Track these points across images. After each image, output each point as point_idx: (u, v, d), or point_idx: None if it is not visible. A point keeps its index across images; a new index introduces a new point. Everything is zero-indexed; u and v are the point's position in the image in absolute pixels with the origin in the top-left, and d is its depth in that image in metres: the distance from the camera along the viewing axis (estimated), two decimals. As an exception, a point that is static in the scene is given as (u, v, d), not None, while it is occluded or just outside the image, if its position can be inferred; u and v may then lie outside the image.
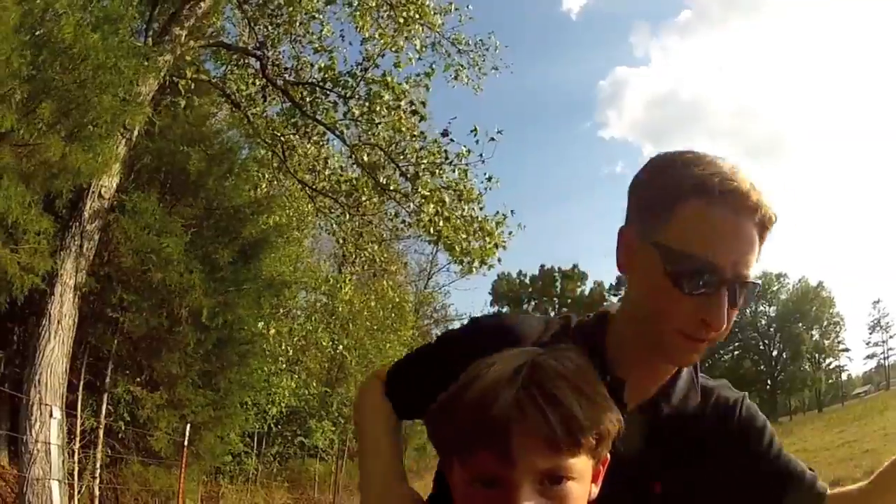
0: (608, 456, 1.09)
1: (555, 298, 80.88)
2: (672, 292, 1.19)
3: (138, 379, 10.95)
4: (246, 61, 13.00)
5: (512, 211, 12.62)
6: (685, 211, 1.19)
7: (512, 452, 0.95)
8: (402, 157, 12.36)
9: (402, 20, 12.48)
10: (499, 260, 12.33)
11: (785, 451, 1.47)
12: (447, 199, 11.76)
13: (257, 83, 12.76)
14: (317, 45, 12.75)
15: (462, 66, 13.48)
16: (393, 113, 11.96)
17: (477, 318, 1.55)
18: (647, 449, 1.28)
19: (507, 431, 0.95)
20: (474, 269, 12.32)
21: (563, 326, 1.43)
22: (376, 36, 12.40)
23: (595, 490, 1.08)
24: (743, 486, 1.39)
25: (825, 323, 73.44)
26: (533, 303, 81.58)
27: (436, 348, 1.50)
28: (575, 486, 1.00)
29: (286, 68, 12.60)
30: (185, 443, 10.21)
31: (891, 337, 72.88)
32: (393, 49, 12.33)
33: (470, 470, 1.00)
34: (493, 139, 12.00)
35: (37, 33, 7.11)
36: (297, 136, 13.33)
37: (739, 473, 1.38)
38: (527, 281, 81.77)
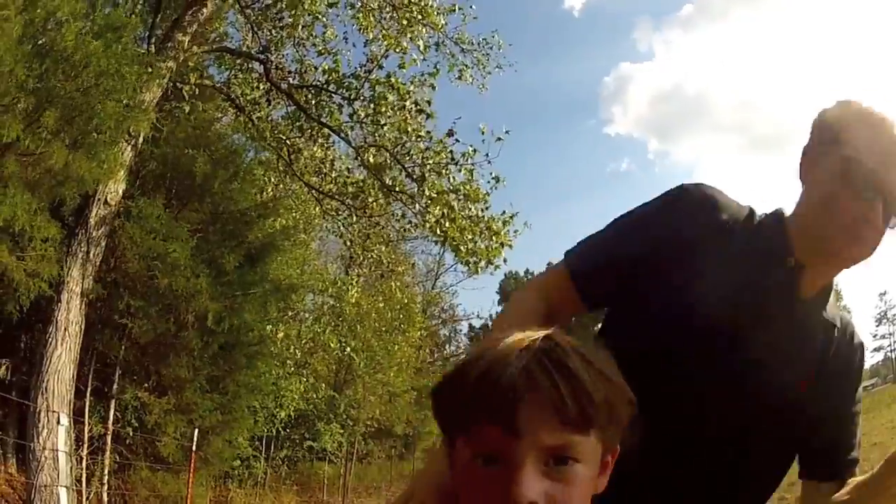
0: (618, 449, 1.04)
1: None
2: (842, 195, 1.35)
3: (146, 384, 10.97)
4: (249, 66, 13.00)
5: (516, 213, 12.59)
6: (861, 136, 1.37)
7: (518, 424, 0.90)
8: (407, 157, 12.35)
9: (405, 21, 12.48)
10: (504, 260, 12.31)
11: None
12: (455, 205, 11.75)
13: (261, 87, 12.76)
14: (320, 48, 12.75)
15: (466, 65, 13.48)
16: (398, 113, 11.95)
17: (678, 186, 1.53)
18: (808, 343, 1.44)
19: (514, 401, 0.90)
20: (480, 270, 12.31)
21: (750, 211, 1.50)
22: (380, 37, 12.39)
23: (603, 483, 1.03)
24: (828, 415, 1.49)
25: (832, 316, 73.24)
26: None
27: (631, 221, 1.51)
28: (582, 470, 0.94)
29: (290, 72, 12.60)
30: (194, 447, 10.21)
31: (898, 329, 72.56)
32: (397, 50, 12.33)
33: (473, 445, 0.95)
34: (499, 139, 12.00)
35: (39, 42, 7.13)
36: (302, 139, 13.33)
37: (834, 405, 1.49)
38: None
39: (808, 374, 1.42)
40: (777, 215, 1.49)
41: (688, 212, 1.40)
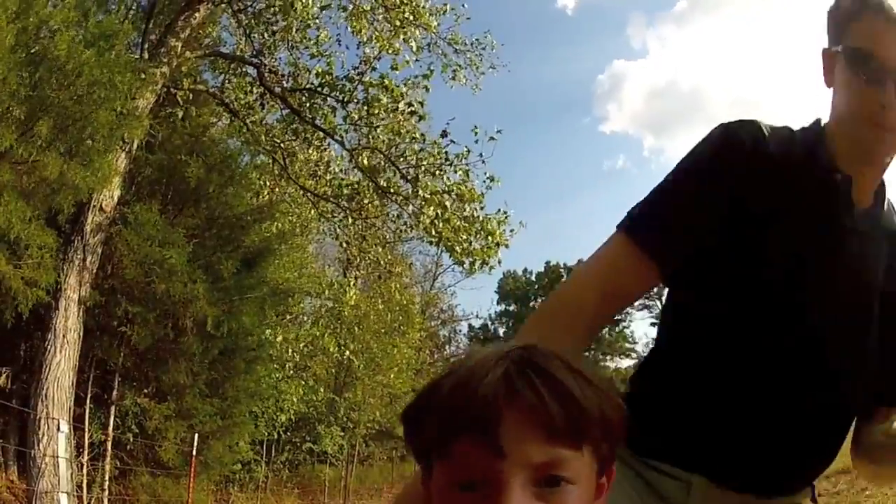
0: (614, 471, 0.92)
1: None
2: (854, 83, 1.35)
3: (145, 390, 10.99)
4: (243, 70, 13.02)
5: (512, 211, 12.62)
6: (863, 23, 1.34)
7: (500, 439, 0.78)
8: (402, 159, 12.37)
9: (398, 22, 12.49)
10: (499, 260, 12.32)
11: None
12: (448, 205, 11.76)
13: (255, 91, 12.77)
14: (313, 51, 12.76)
15: (459, 66, 13.51)
16: (392, 115, 11.97)
17: (719, 126, 1.45)
18: (874, 256, 1.39)
19: (496, 413, 0.79)
20: (476, 270, 12.33)
21: (790, 131, 1.47)
22: (373, 39, 12.41)
23: None
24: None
25: (834, 311, 73.45)
26: (540, 300, 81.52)
27: (685, 172, 1.43)
28: (576, 493, 0.82)
29: (283, 75, 12.61)
30: (194, 452, 10.23)
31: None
32: (389, 52, 12.34)
33: (450, 469, 0.82)
34: (492, 138, 12.02)
35: (32, 51, 7.16)
36: (297, 143, 13.34)
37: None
38: (533, 279, 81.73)
39: (885, 286, 1.40)
40: (815, 130, 1.47)
41: (739, 149, 1.38)
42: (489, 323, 78.11)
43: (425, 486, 0.91)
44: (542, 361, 0.84)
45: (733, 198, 1.36)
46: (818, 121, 1.48)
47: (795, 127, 1.47)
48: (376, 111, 11.89)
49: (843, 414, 1.43)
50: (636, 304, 77.94)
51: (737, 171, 1.37)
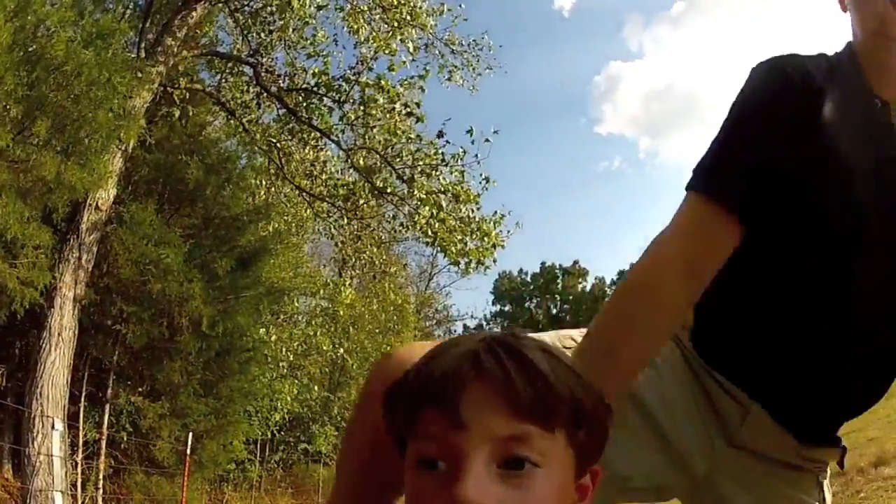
0: (599, 471, 0.88)
1: (556, 296, 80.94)
2: (878, 3, 1.29)
3: (140, 389, 10.99)
4: (240, 69, 13.02)
5: (508, 212, 12.62)
6: None
7: (461, 411, 0.76)
8: (398, 159, 12.38)
9: (394, 23, 12.50)
10: (494, 260, 12.33)
11: None
12: (444, 203, 11.77)
13: (251, 91, 12.78)
14: (310, 51, 12.76)
15: (456, 66, 13.52)
16: (388, 116, 11.98)
17: (766, 62, 1.39)
18: None
19: (458, 384, 0.77)
20: (471, 270, 12.34)
21: (828, 60, 1.41)
22: (369, 39, 12.42)
23: None
24: None
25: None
26: (535, 300, 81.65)
27: (744, 114, 1.37)
28: (544, 478, 0.77)
29: (280, 75, 12.61)
30: (188, 451, 10.24)
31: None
32: (386, 52, 12.34)
33: (416, 445, 0.80)
34: (487, 140, 12.04)
35: (29, 49, 7.16)
36: (293, 142, 13.35)
37: None
38: (528, 279, 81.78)
39: None
40: (848, 55, 1.40)
41: (791, 88, 1.32)
42: (484, 323, 78.08)
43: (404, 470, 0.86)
44: (514, 342, 0.81)
45: (792, 138, 1.31)
46: (849, 45, 1.42)
47: (830, 52, 1.44)
48: (372, 111, 11.89)
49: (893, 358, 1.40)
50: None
51: (792, 111, 1.32)
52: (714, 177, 1.34)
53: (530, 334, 0.91)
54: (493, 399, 0.76)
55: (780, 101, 1.34)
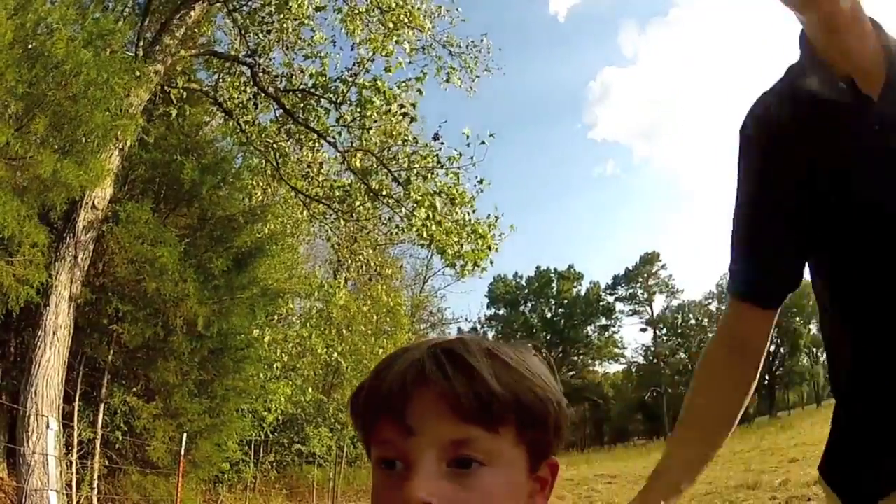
0: (557, 463, 0.93)
1: (551, 299, 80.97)
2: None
3: (134, 389, 10.97)
4: (237, 69, 13.02)
5: (502, 214, 12.63)
6: None
7: (408, 419, 0.82)
8: (394, 161, 12.39)
9: (391, 24, 12.52)
10: (490, 262, 12.35)
11: None
12: (438, 205, 11.78)
13: (249, 91, 12.78)
14: (308, 52, 12.77)
15: (454, 68, 13.55)
16: (384, 117, 11.99)
17: (743, 124, 1.49)
18: None
19: (404, 395, 0.83)
20: (467, 272, 12.34)
21: (788, 72, 1.50)
22: (367, 41, 12.43)
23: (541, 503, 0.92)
24: None
25: (822, 317, 73.51)
26: (530, 304, 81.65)
27: (741, 184, 1.49)
28: (490, 476, 0.82)
29: (277, 75, 12.62)
30: (182, 452, 10.22)
31: (887, 330, 72.98)
32: (383, 54, 12.36)
33: (376, 448, 0.87)
34: (483, 142, 12.05)
35: (29, 47, 7.15)
36: (289, 143, 13.35)
37: None
38: (523, 282, 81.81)
39: None
40: (807, 52, 1.46)
41: (762, 130, 1.43)
42: (479, 326, 78.24)
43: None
44: (459, 348, 0.85)
45: (789, 171, 1.40)
46: (804, 38, 1.47)
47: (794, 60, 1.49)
48: (369, 113, 11.89)
49: None
50: (626, 310, 77.34)
51: (774, 149, 1.42)
52: (736, 279, 1.55)
53: (485, 338, 0.92)
54: (437, 406, 0.81)
55: (761, 152, 1.44)
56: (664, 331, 78.82)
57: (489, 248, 12.23)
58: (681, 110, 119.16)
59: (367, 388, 0.88)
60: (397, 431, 0.82)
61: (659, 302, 79.73)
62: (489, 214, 12.50)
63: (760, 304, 1.51)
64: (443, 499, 0.78)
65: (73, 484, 9.72)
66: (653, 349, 77.56)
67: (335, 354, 18.53)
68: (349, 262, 18.16)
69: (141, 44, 10.62)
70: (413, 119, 12.29)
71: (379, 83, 11.93)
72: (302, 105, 12.50)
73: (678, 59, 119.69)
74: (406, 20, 12.59)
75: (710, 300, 79.58)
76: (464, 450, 0.81)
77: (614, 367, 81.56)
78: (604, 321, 79.98)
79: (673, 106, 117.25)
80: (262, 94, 12.59)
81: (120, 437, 10.71)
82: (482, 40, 13.81)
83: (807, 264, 1.48)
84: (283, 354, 16.09)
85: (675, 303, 79.72)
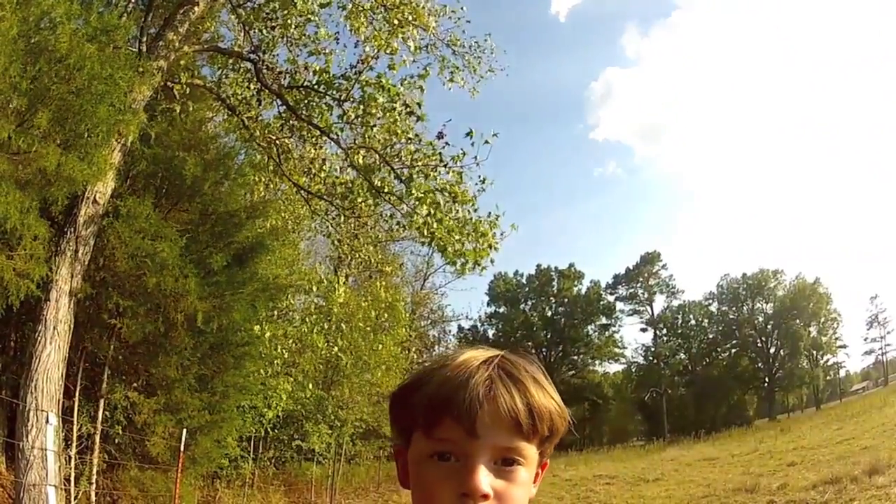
0: (547, 462, 1.20)
1: (552, 298, 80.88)
2: None
3: (135, 384, 10.97)
4: (241, 66, 13.00)
5: (503, 212, 12.57)
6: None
7: (477, 427, 1.04)
8: (396, 159, 12.36)
9: (396, 22, 12.50)
10: (491, 261, 12.31)
11: None
12: (441, 202, 11.75)
13: (252, 87, 12.76)
14: (311, 48, 12.75)
15: (457, 67, 13.53)
16: (388, 115, 11.96)
17: None
18: None
19: (477, 407, 1.04)
20: (467, 271, 12.31)
21: None
22: (371, 38, 12.41)
23: (534, 491, 1.15)
24: None
25: (822, 319, 73.36)
26: (530, 302, 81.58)
27: None
28: (523, 472, 1.08)
29: (280, 72, 12.59)
30: (182, 447, 10.22)
31: (888, 333, 72.89)
32: (387, 51, 12.34)
33: (434, 442, 1.07)
34: (487, 142, 12.01)
35: (32, 41, 7.14)
36: (292, 140, 13.34)
37: None
38: (523, 281, 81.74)
39: None
40: None
41: None
42: (479, 324, 78.29)
43: (401, 454, 1.18)
44: (516, 372, 1.11)
45: None
46: None
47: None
48: (372, 110, 11.87)
49: None
50: (626, 309, 77.22)
51: None
52: None
53: (521, 357, 1.17)
54: (499, 419, 1.06)
55: None
56: (664, 331, 78.76)
57: (490, 246, 12.20)
58: (682, 111, 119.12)
59: (434, 393, 1.09)
60: (463, 434, 1.05)
61: (659, 302, 79.73)
62: (490, 213, 12.47)
63: None
64: (494, 490, 1.04)
65: (72, 479, 9.71)
66: (653, 349, 77.49)
67: (335, 350, 18.53)
68: (350, 258, 18.15)
69: (144, 39, 10.61)
70: (419, 118, 12.26)
71: (383, 80, 11.90)
72: (305, 101, 12.48)
73: (680, 61, 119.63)
74: (410, 18, 12.58)
75: (710, 301, 79.57)
76: (510, 454, 1.07)
77: (614, 367, 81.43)
78: (604, 320, 79.91)
79: (674, 107, 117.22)
80: (266, 91, 12.56)
81: (119, 432, 10.71)
82: (486, 40, 13.81)
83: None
84: (284, 350, 16.08)
85: (675, 303, 79.72)
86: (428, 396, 1.09)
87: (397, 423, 1.18)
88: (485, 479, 1.03)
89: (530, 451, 1.09)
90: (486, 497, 1.03)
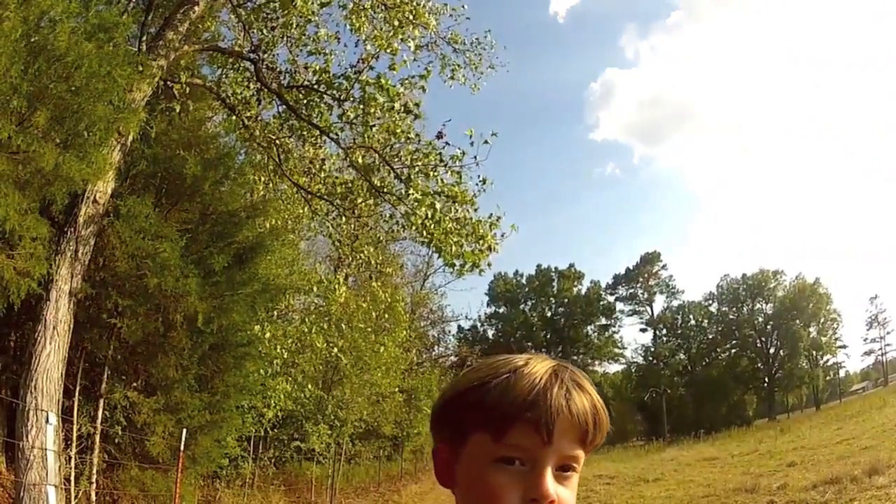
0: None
1: (552, 298, 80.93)
2: None
3: (134, 384, 10.95)
4: (241, 65, 13.00)
5: (504, 213, 12.56)
6: None
7: (553, 434, 1.08)
8: (396, 159, 12.36)
9: (396, 22, 12.51)
10: (489, 264, 12.29)
11: None
12: (438, 206, 11.73)
13: (252, 87, 12.76)
14: (311, 48, 12.74)
15: (458, 65, 13.54)
16: (387, 115, 11.95)
17: None
18: None
19: (556, 416, 1.08)
20: (465, 273, 12.31)
21: None
22: (371, 38, 12.41)
23: None
24: None
25: (822, 320, 73.52)
26: (530, 302, 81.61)
27: None
28: (576, 478, 1.13)
29: (280, 71, 12.59)
30: (182, 447, 10.21)
31: (888, 333, 73.04)
32: (388, 51, 12.33)
33: (503, 447, 1.08)
34: (486, 142, 12.00)
35: (32, 40, 7.13)
36: (292, 140, 13.34)
37: None
38: (523, 281, 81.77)
39: None
40: None
41: None
42: (479, 325, 78.38)
43: (444, 453, 1.18)
44: (583, 382, 1.15)
45: None
46: None
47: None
48: (372, 110, 11.86)
49: None
50: (626, 309, 77.35)
51: None
52: None
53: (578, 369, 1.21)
54: (570, 430, 1.10)
55: None
56: (664, 331, 78.82)
57: (489, 248, 12.19)
58: (681, 111, 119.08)
59: (506, 398, 1.10)
60: (537, 441, 1.08)
61: (659, 302, 79.86)
62: (491, 214, 12.45)
63: None
64: (556, 494, 1.07)
65: (72, 478, 9.70)
66: (653, 349, 77.59)
67: (335, 350, 18.52)
68: (350, 259, 18.13)
69: (144, 38, 10.61)
70: (417, 116, 12.25)
71: (383, 80, 11.90)
72: (305, 101, 12.47)
73: (679, 61, 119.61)
74: (411, 17, 12.58)
75: (710, 301, 79.64)
76: (571, 461, 1.11)
77: (614, 368, 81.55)
78: (604, 321, 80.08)
79: (673, 107, 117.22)
80: (266, 90, 12.56)
81: (119, 432, 10.70)
82: (486, 37, 13.83)
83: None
84: (283, 350, 16.07)
85: (675, 303, 79.80)
86: (499, 401, 1.10)
87: (449, 423, 1.18)
88: (552, 485, 1.07)
89: (583, 458, 1.14)
90: (552, 503, 1.06)
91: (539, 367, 1.14)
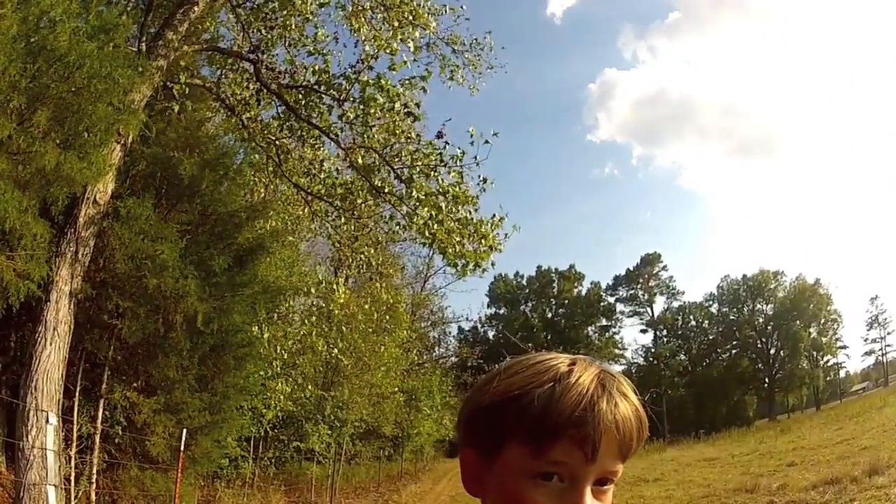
0: None
1: (552, 299, 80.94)
2: None
3: (135, 384, 10.95)
4: (240, 65, 13.00)
5: (506, 213, 12.57)
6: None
7: (598, 454, 1.03)
8: (396, 159, 12.36)
9: (396, 22, 12.52)
10: (492, 264, 12.31)
11: None
12: (443, 206, 11.75)
13: (251, 87, 12.76)
14: (311, 49, 12.75)
15: (457, 66, 13.55)
16: (387, 115, 11.96)
17: None
18: None
19: (602, 433, 1.03)
20: (468, 272, 12.31)
21: None
22: (371, 38, 12.42)
23: None
24: None
25: (823, 320, 73.51)
26: (530, 304, 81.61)
27: None
28: (612, 490, 1.10)
29: (280, 72, 12.60)
30: (182, 447, 10.22)
31: (889, 333, 72.99)
32: (387, 51, 12.34)
33: (544, 463, 1.02)
34: (487, 142, 12.01)
35: (32, 40, 7.14)
36: (291, 140, 13.34)
37: None
38: (524, 282, 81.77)
39: None
40: None
41: None
42: (479, 326, 78.36)
43: (479, 459, 1.11)
44: (628, 393, 1.10)
45: None
46: None
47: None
48: (372, 110, 11.86)
49: None
50: (626, 310, 77.47)
51: None
52: None
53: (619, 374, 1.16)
54: (616, 446, 1.06)
55: None
56: (664, 332, 78.84)
57: (492, 248, 12.19)
58: (680, 112, 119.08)
59: (548, 412, 1.03)
60: (580, 458, 1.02)
61: (659, 303, 79.89)
62: (494, 214, 12.46)
63: None
64: None
65: (72, 478, 9.70)
66: (653, 350, 77.61)
67: (335, 351, 18.52)
68: (350, 260, 18.13)
69: (144, 39, 10.62)
70: (417, 118, 12.25)
71: (382, 80, 11.90)
72: (304, 102, 12.48)
73: (677, 62, 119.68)
74: (410, 18, 12.59)
75: (710, 302, 79.66)
76: (610, 475, 1.07)
77: (614, 369, 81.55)
78: (604, 322, 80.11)
79: (672, 107, 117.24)
80: (265, 91, 12.57)
81: (119, 432, 10.70)
82: (485, 38, 13.84)
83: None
84: (283, 351, 16.07)
85: (675, 304, 79.84)
86: (542, 416, 1.03)
87: (481, 429, 1.10)
88: (590, 500, 1.03)
89: (621, 470, 1.09)
90: None
91: (585, 376, 1.07)
